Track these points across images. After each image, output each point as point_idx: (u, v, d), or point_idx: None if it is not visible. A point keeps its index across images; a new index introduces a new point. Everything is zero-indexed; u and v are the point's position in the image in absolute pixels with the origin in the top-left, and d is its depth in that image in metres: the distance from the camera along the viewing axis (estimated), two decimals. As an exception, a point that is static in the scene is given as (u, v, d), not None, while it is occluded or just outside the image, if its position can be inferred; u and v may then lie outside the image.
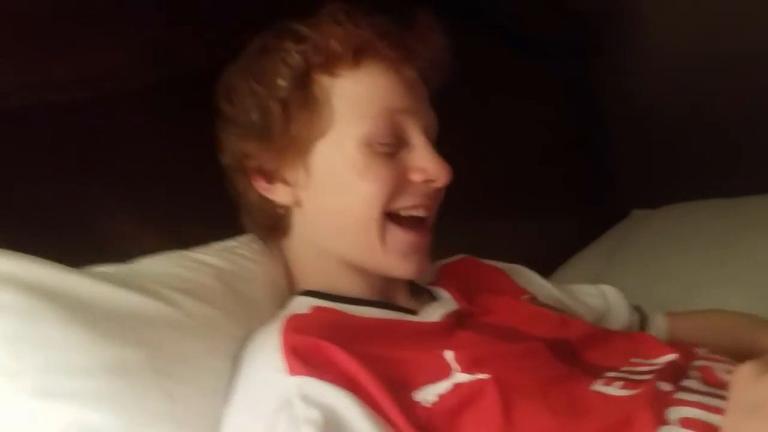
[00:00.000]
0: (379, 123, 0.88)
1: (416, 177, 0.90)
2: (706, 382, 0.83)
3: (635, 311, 1.16)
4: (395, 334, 0.87)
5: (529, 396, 0.78)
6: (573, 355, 0.89)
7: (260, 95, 0.90)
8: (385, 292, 0.96)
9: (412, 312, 0.93)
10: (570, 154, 2.02)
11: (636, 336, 1.01)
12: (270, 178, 0.92)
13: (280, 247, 0.98)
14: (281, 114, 0.88)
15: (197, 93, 0.96)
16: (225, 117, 0.94)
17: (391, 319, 0.90)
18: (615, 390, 0.81)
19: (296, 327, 0.82)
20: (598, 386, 0.82)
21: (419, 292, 1.01)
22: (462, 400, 0.78)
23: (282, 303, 0.94)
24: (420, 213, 0.91)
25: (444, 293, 1.00)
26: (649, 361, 0.90)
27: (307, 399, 0.73)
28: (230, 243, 0.98)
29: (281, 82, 0.88)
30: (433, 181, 0.90)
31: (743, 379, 0.66)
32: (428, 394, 0.78)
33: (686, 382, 0.82)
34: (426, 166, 0.89)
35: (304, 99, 0.88)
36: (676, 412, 0.75)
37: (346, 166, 0.88)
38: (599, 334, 0.97)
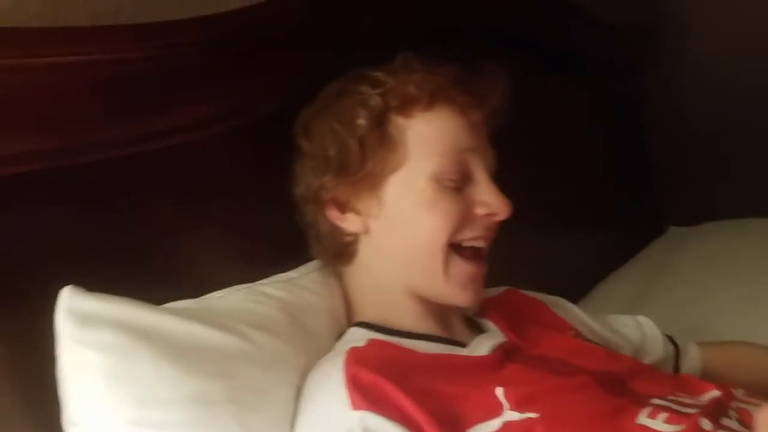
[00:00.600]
0: (447, 161, 0.95)
1: (480, 211, 0.97)
2: (743, 423, 0.88)
3: (669, 342, 1.21)
4: (447, 369, 0.91)
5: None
6: (621, 386, 0.93)
7: (339, 133, 0.97)
8: (439, 323, 1.00)
9: (462, 345, 0.98)
10: (611, 170, 2.07)
11: (681, 376, 1.06)
12: (343, 208, 0.99)
13: (341, 275, 1.04)
14: (359, 151, 0.96)
15: (272, 135, 1.04)
16: (302, 152, 1.02)
17: (443, 354, 0.95)
18: (660, 424, 0.85)
19: (358, 361, 0.87)
20: (644, 419, 0.86)
21: (468, 323, 1.05)
22: None
23: (338, 333, 1.00)
24: (479, 244, 0.98)
25: (491, 325, 1.05)
26: (694, 397, 0.94)
27: None
28: (291, 274, 1.04)
29: (360, 122, 0.96)
30: (495, 214, 0.97)
31: (765, 420, 0.71)
32: None
33: (726, 421, 0.87)
34: (489, 200, 0.96)
35: (381, 137, 0.96)
36: None
37: (417, 199, 0.95)
38: (645, 367, 1.01)
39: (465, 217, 0.96)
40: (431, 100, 0.96)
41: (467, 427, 0.84)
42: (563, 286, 1.62)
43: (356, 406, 0.81)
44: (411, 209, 0.96)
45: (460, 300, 0.98)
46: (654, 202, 2.22)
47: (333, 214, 0.99)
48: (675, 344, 1.21)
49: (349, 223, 0.99)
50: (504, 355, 0.96)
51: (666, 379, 1.01)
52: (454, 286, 0.97)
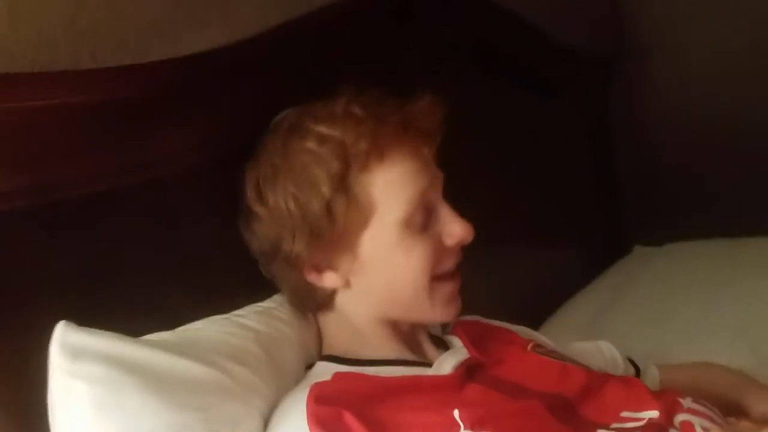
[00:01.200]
0: (412, 205, 0.98)
1: (449, 241, 1.01)
2: None
3: (629, 364, 1.26)
4: (412, 391, 0.95)
5: None
6: (570, 412, 0.98)
7: (302, 201, 0.97)
8: (407, 346, 1.05)
9: (429, 364, 1.02)
10: (578, 190, 2.12)
11: (629, 382, 1.09)
12: (320, 268, 1.00)
13: (317, 316, 1.07)
14: (327, 217, 0.96)
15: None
16: (258, 215, 1.01)
17: (408, 377, 0.99)
18: None
19: (320, 396, 0.91)
20: None
21: (435, 340, 1.09)
22: None
23: (308, 364, 1.04)
24: (452, 267, 1.03)
25: (456, 341, 1.09)
26: (636, 415, 0.99)
27: None
28: (268, 304, 1.07)
29: (324, 189, 0.96)
30: (462, 241, 1.01)
31: None
32: None
33: None
34: (455, 230, 1.00)
35: (347, 200, 0.97)
36: None
37: (392, 248, 0.98)
38: (595, 385, 1.05)
39: (439, 252, 1.00)
40: (385, 151, 0.97)
41: None
42: (531, 305, 1.67)
43: None
44: (388, 259, 0.99)
45: (446, 317, 1.05)
46: (621, 222, 2.28)
47: (312, 276, 1.01)
48: (636, 366, 1.26)
49: (328, 281, 1.01)
50: (466, 372, 1.00)
51: (614, 393, 1.04)
52: (439, 308, 1.02)
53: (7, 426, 0.86)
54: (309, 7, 1.23)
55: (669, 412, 0.99)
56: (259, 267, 1.06)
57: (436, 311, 1.02)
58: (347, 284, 1.01)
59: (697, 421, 0.98)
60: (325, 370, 0.99)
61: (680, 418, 0.99)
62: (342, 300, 1.03)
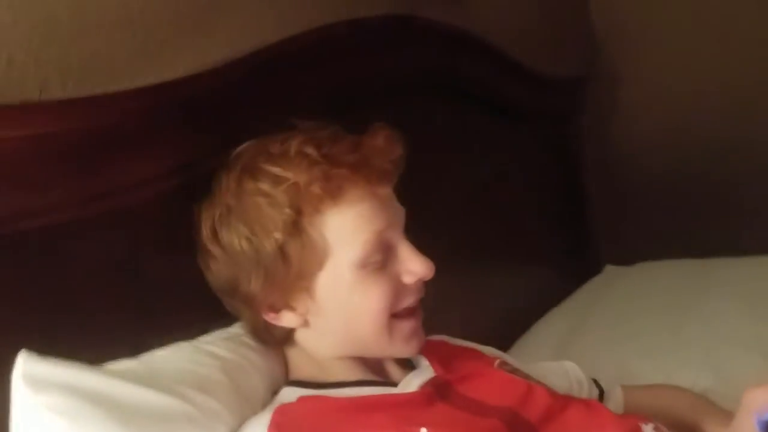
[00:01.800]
0: (368, 246, 0.97)
1: (408, 279, 1.00)
2: None
3: (594, 385, 1.27)
4: (376, 410, 0.97)
5: None
6: (534, 427, 1.00)
7: (255, 244, 0.96)
8: (371, 368, 1.05)
9: (394, 384, 1.03)
10: (549, 211, 2.14)
11: (590, 405, 1.10)
12: (276, 308, 1.00)
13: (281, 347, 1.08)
14: (281, 260, 0.96)
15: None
16: (213, 255, 1.00)
17: (373, 396, 1.00)
18: None
19: (282, 420, 0.93)
20: None
21: (400, 360, 1.09)
22: None
23: (274, 390, 1.04)
24: (413, 303, 1.02)
25: (423, 360, 1.09)
26: None
27: None
28: (234, 330, 1.08)
29: (277, 235, 0.95)
30: (422, 278, 1.01)
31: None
32: None
33: None
34: (414, 268, 1.00)
35: (301, 242, 0.96)
36: None
37: (348, 290, 0.97)
38: (557, 407, 1.06)
39: (397, 291, 0.99)
40: (339, 192, 0.96)
41: None
42: (502, 326, 1.69)
43: None
44: (345, 299, 0.98)
45: (406, 353, 1.04)
46: (592, 242, 2.31)
47: (269, 316, 1.01)
48: (600, 388, 1.27)
49: (286, 320, 1.01)
50: (434, 390, 1.01)
51: (576, 417, 1.05)
52: (399, 344, 1.02)
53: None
54: (277, 37, 1.25)
55: None
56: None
57: (396, 348, 1.02)
58: (305, 324, 1.01)
59: None
60: (289, 395, 1.00)
61: None
62: (301, 336, 1.04)
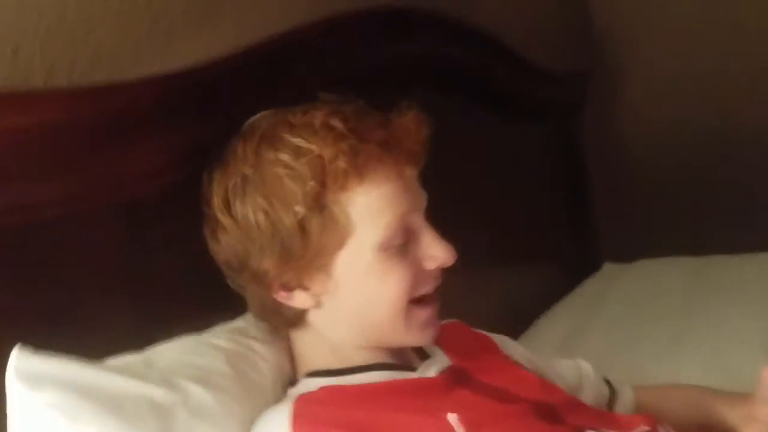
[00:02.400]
0: (391, 228, 0.93)
1: (430, 265, 0.96)
2: None
3: (605, 384, 1.25)
4: (399, 395, 0.94)
5: None
6: (555, 417, 0.97)
7: (274, 218, 0.92)
8: (388, 353, 1.01)
9: (412, 369, 1.01)
10: (549, 207, 2.14)
11: (610, 414, 1.09)
12: (289, 287, 0.95)
13: (288, 334, 1.04)
14: (300, 235, 0.91)
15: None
16: (223, 226, 0.96)
17: (394, 381, 0.97)
18: None
19: (305, 409, 0.90)
20: None
21: (415, 349, 1.06)
22: None
23: (286, 383, 1.02)
24: (430, 291, 0.98)
25: (437, 350, 1.06)
26: None
27: None
28: (239, 323, 1.05)
29: (298, 209, 0.91)
30: (443, 264, 0.96)
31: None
32: None
33: None
34: (436, 254, 0.95)
35: (322, 219, 0.91)
36: None
37: (368, 272, 0.93)
38: (578, 401, 1.05)
39: (418, 276, 0.96)
40: (366, 170, 0.92)
41: None
42: (503, 323, 1.68)
43: None
44: (363, 282, 0.94)
45: (421, 341, 1.01)
46: (591, 238, 2.30)
47: (280, 295, 0.96)
48: (611, 387, 1.25)
49: (298, 300, 0.96)
50: (452, 377, 0.99)
51: (597, 414, 1.04)
52: (415, 333, 0.98)
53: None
54: (285, 26, 1.24)
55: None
56: (226, 279, 1.01)
57: (411, 336, 0.98)
58: (318, 305, 0.97)
59: None
60: (308, 386, 0.97)
61: None
62: (313, 318, 0.99)
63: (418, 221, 0.96)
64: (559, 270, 2.08)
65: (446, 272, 1.01)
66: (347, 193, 0.92)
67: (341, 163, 0.91)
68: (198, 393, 0.92)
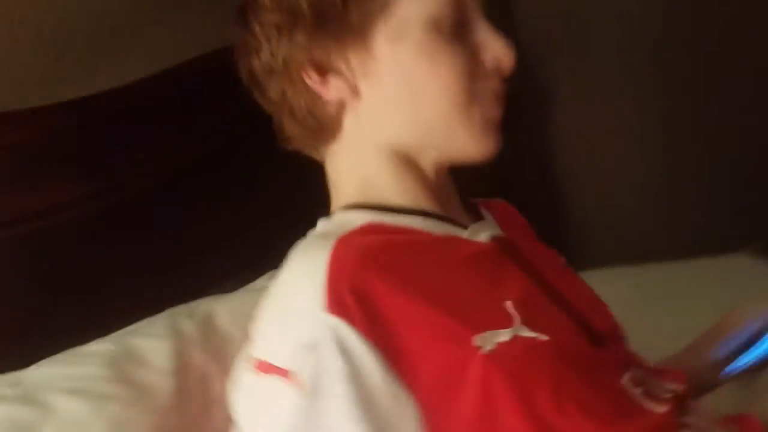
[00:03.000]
0: (444, 2, 0.81)
1: (489, 59, 0.83)
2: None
3: None
4: (452, 254, 0.82)
5: (578, 372, 0.77)
6: (602, 341, 0.85)
7: None
8: (436, 200, 0.88)
9: (464, 226, 0.87)
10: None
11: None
12: (323, 70, 0.83)
13: (323, 157, 0.90)
14: None
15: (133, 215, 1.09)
16: (257, 7, 0.84)
17: (447, 236, 0.85)
18: (640, 396, 0.82)
19: (347, 254, 0.75)
20: (628, 384, 0.83)
21: (464, 205, 0.94)
22: (518, 354, 0.74)
23: (189, 380, 0.94)
24: (497, 89, 0.85)
25: (487, 214, 0.95)
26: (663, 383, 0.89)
27: (339, 346, 0.70)
28: (130, 327, 1.00)
29: None
30: (503, 63, 0.83)
31: None
32: (487, 342, 0.74)
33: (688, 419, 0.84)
34: (495, 46, 0.83)
35: None
36: None
37: (416, 53, 0.81)
38: (621, 333, 0.93)
39: (475, 71, 0.83)
40: None
41: (479, 329, 0.75)
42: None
43: (332, 310, 0.71)
44: (410, 65, 0.81)
45: (482, 148, 0.85)
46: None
47: (311, 79, 0.83)
48: None
49: (332, 87, 0.83)
50: (503, 248, 0.86)
51: (635, 355, 0.94)
52: (477, 134, 0.84)
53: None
54: (200, 51, 1.24)
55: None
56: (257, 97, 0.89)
57: (472, 138, 0.83)
58: (356, 93, 0.83)
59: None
60: (350, 219, 0.83)
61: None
62: (350, 123, 0.85)
63: (475, 11, 0.84)
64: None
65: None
66: None
67: None
68: (68, 406, 0.86)
